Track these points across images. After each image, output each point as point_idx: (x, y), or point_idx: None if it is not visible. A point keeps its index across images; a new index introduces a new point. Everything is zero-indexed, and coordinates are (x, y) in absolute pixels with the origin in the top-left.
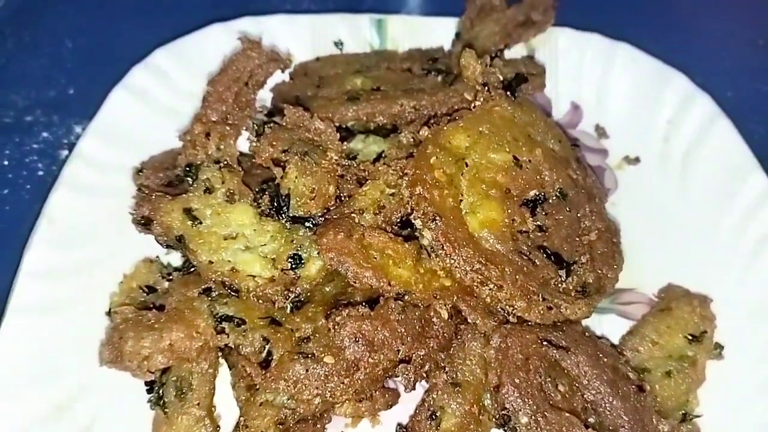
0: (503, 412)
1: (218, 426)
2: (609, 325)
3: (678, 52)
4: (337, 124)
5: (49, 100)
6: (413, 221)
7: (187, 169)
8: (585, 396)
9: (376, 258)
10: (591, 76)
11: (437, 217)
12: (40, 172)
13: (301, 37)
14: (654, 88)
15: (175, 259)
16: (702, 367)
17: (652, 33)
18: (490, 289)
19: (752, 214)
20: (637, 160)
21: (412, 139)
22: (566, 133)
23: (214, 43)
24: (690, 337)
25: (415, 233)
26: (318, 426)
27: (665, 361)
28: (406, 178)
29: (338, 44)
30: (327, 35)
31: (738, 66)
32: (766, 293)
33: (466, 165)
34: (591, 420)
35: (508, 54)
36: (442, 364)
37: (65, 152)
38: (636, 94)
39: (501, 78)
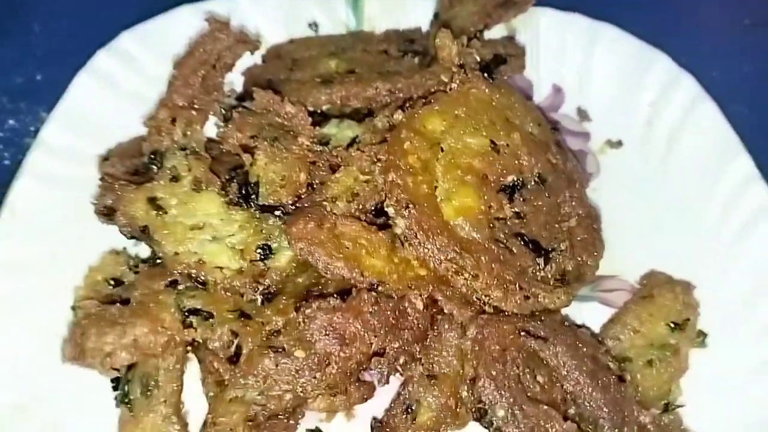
0: (479, 405)
1: (186, 423)
2: (590, 313)
3: (663, 32)
4: (311, 109)
5: (16, 87)
6: (386, 209)
7: (152, 156)
8: (564, 387)
9: (348, 248)
10: (573, 57)
11: (411, 205)
12: (6, 161)
13: (274, 19)
14: (637, 70)
15: (144, 250)
16: (685, 355)
17: (637, 12)
18: (465, 279)
19: (737, 198)
20: (619, 143)
21: (387, 123)
22: (546, 117)
23: (182, 26)
24: (672, 325)
25: (390, 222)
26: (291, 422)
27: (647, 350)
28: (380, 165)
29: (313, 26)
30: (301, 17)
31: (724, 46)
32: (751, 279)
33: (442, 150)
34: (571, 411)
35: (488, 35)
36: (418, 356)
37: (32, 140)
38: (619, 76)
39: (478, 59)
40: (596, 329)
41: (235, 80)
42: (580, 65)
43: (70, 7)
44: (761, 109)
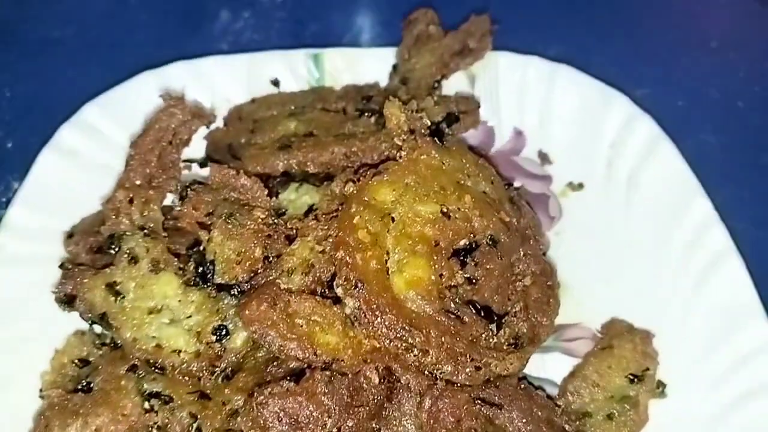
0: None
1: None
2: (553, 364)
3: (627, 62)
4: (271, 173)
5: None
6: (336, 288)
7: (110, 240)
8: None
9: (302, 326)
10: (533, 100)
11: (360, 283)
12: None
13: (236, 78)
14: (596, 111)
15: None
16: (644, 407)
17: (600, 44)
18: (415, 356)
19: (696, 241)
20: (580, 186)
21: (343, 188)
22: (501, 173)
23: (144, 92)
24: (632, 377)
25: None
26: None
27: (607, 404)
28: (330, 240)
29: (275, 83)
30: (263, 74)
31: (690, 71)
32: (710, 325)
33: (393, 220)
34: None
35: (448, 83)
36: (377, 427)
37: (3, 212)
38: (578, 118)
39: (428, 123)
40: (559, 380)
41: (196, 145)
42: (540, 108)
43: (38, 69)
44: (729, 136)
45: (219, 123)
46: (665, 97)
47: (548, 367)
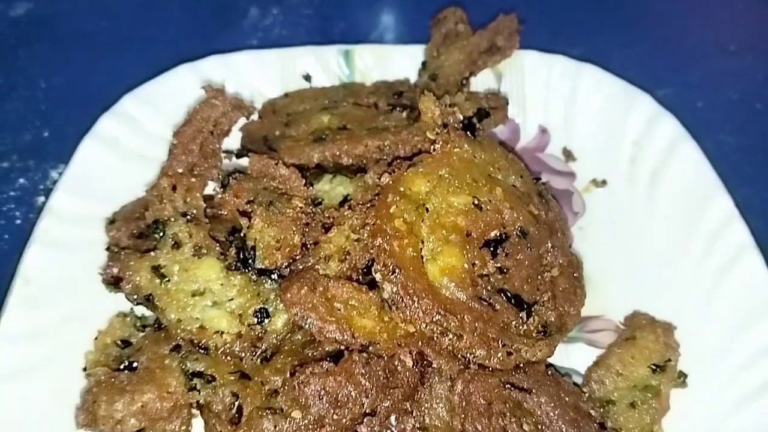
0: None
1: None
2: (577, 354)
3: (648, 63)
4: (305, 165)
5: (24, 145)
6: (374, 274)
7: (154, 225)
8: None
9: (340, 310)
10: (557, 98)
11: (397, 269)
12: (18, 221)
13: (269, 73)
14: (619, 110)
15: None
16: (666, 396)
17: (621, 44)
18: (449, 339)
19: (717, 238)
20: (604, 182)
21: (378, 180)
22: (532, 160)
23: (182, 85)
24: (654, 367)
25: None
26: None
27: (630, 392)
28: (367, 228)
29: (307, 78)
30: (295, 69)
31: (709, 74)
32: (730, 317)
33: (427, 210)
34: None
35: (476, 80)
36: (410, 410)
37: (42, 198)
38: (602, 116)
39: (461, 117)
40: (583, 370)
41: (233, 137)
42: (564, 106)
43: (73, 61)
44: (747, 137)
45: (254, 116)
46: (685, 98)
47: (572, 357)
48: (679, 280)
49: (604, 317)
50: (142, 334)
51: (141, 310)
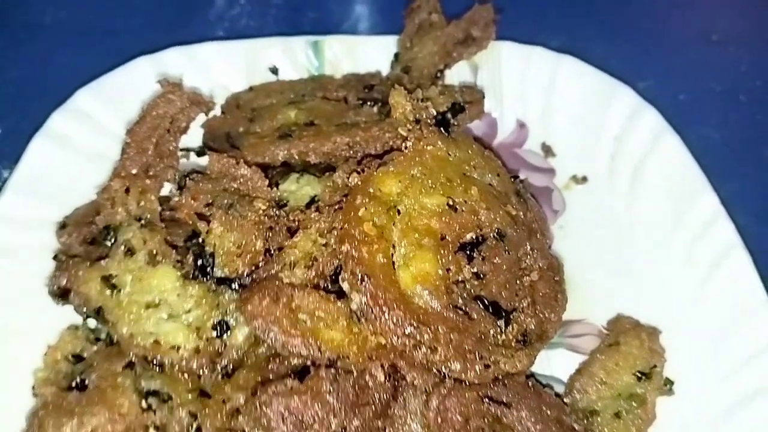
0: None
1: None
2: (559, 361)
3: (629, 54)
4: (270, 163)
5: None
6: (341, 283)
7: (106, 231)
8: None
9: (306, 322)
10: (536, 91)
11: (366, 278)
12: None
13: (234, 65)
14: (600, 103)
15: None
16: (652, 405)
17: (602, 36)
18: (423, 353)
19: (702, 236)
20: (584, 179)
21: (346, 180)
22: (506, 165)
23: (140, 78)
24: (639, 375)
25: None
26: None
27: (614, 402)
28: (335, 233)
29: (274, 71)
30: (262, 61)
31: (691, 64)
32: (719, 320)
33: (398, 213)
34: None
35: (451, 73)
36: (383, 426)
37: None
38: (582, 110)
39: (434, 113)
40: (564, 377)
41: (194, 133)
42: (543, 99)
43: (28, 54)
44: (731, 130)
45: (216, 111)
46: (667, 91)
47: (554, 364)
48: (663, 281)
49: (586, 321)
50: (95, 348)
51: (95, 322)
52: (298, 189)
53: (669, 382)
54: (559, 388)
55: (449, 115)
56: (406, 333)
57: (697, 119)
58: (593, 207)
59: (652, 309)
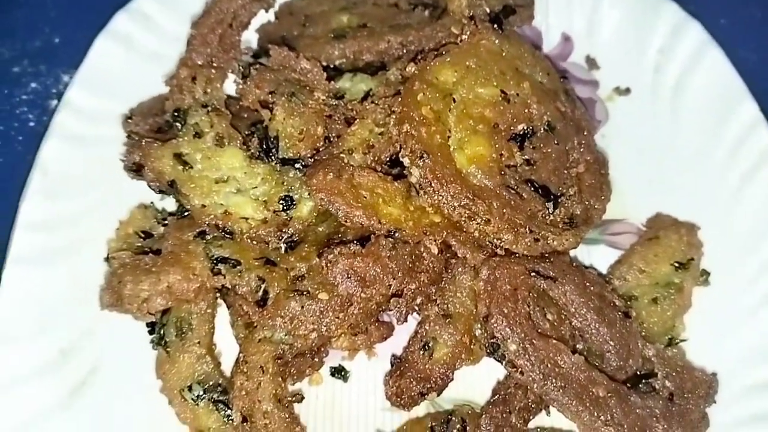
0: (492, 340)
1: (219, 362)
2: (598, 256)
3: None
4: (325, 63)
5: (35, 50)
6: (401, 159)
7: (175, 114)
8: (573, 323)
9: (366, 197)
10: (581, 6)
11: (425, 154)
12: (31, 123)
13: None
14: (644, 17)
15: (170, 204)
16: (688, 293)
17: None
18: (477, 224)
19: (741, 143)
20: (627, 91)
21: (399, 76)
22: (555, 66)
23: None
24: (677, 265)
25: (405, 172)
26: (316, 360)
27: (652, 289)
28: (394, 116)
29: None
30: None
31: None
32: (753, 220)
33: (454, 101)
34: (579, 346)
35: None
36: (434, 297)
37: (55, 102)
38: (626, 24)
39: (488, 10)
40: (604, 271)
41: (250, 38)
42: (588, 13)
43: None
44: None
45: (270, 17)
46: (708, 15)
47: (594, 258)
48: (703, 185)
49: (626, 221)
50: (162, 227)
51: (162, 204)
52: (353, 85)
53: (705, 273)
54: None
55: (501, 16)
56: (462, 204)
57: (736, 43)
58: (635, 117)
59: (691, 210)
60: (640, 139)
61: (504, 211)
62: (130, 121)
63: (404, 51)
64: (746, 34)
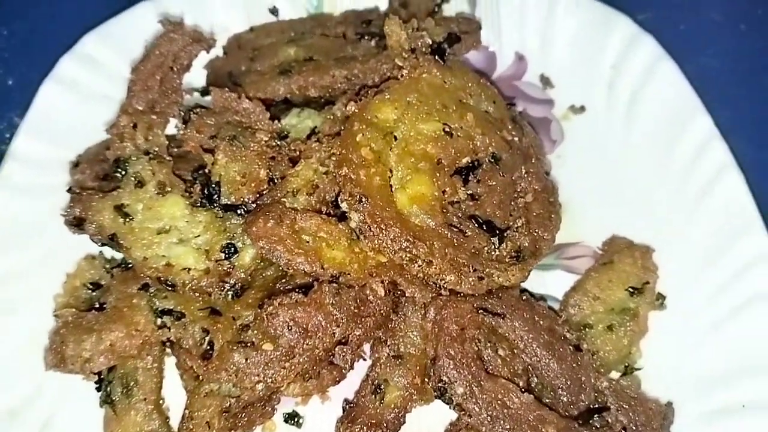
0: (440, 383)
1: (167, 418)
2: (554, 281)
3: None
4: (272, 99)
5: None
6: (340, 203)
7: (116, 164)
8: (524, 359)
9: (308, 242)
10: (534, 23)
11: (363, 198)
12: None
13: (234, 6)
14: (597, 33)
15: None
16: (644, 318)
17: None
18: (419, 266)
19: (697, 157)
20: (582, 108)
21: (344, 109)
22: (509, 87)
23: (143, 22)
24: (632, 290)
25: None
26: (267, 408)
27: (607, 316)
28: (334, 158)
29: (273, 11)
30: (261, 2)
31: None
32: (711, 237)
33: (395, 138)
34: (533, 380)
35: (449, 6)
36: (384, 338)
37: (6, 147)
38: (580, 40)
39: (429, 42)
40: (560, 297)
41: (197, 74)
42: (541, 31)
43: (35, 4)
44: (731, 59)
45: (218, 52)
46: (667, 21)
47: (549, 284)
48: (658, 203)
49: (581, 243)
50: (111, 276)
51: (111, 252)
52: (299, 122)
53: (661, 297)
54: (556, 306)
55: (445, 45)
56: (403, 247)
57: (696, 48)
58: (591, 135)
59: (647, 231)
60: (597, 158)
61: (446, 251)
62: (76, 168)
63: (350, 84)
64: (706, 39)
